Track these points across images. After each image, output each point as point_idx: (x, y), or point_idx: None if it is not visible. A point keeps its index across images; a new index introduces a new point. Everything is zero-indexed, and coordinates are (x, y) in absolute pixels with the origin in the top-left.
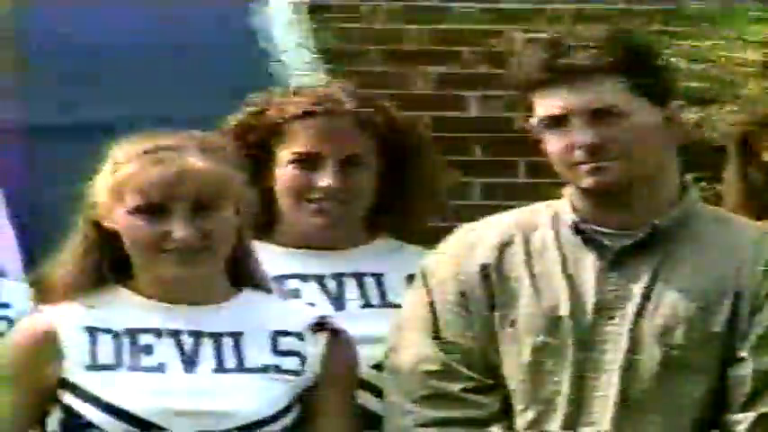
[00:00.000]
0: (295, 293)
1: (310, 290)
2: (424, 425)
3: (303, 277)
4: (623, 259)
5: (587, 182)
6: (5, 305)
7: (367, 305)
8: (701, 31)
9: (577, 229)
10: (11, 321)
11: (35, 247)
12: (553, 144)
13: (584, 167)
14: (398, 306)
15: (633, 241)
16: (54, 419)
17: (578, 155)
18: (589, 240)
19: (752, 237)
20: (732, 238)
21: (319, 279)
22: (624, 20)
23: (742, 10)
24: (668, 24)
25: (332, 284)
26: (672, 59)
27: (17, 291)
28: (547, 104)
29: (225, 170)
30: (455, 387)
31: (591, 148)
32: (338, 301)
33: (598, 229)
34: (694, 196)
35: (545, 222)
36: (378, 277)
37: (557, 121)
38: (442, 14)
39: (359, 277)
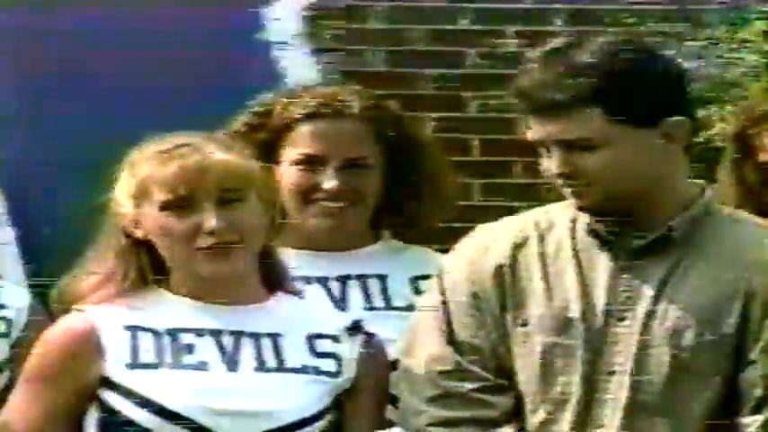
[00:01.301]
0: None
1: (313, 292)
2: (435, 425)
3: (307, 279)
4: (636, 261)
5: (573, 203)
6: (2, 306)
7: (370, 308)
8: (700, 31)
9: (592, 231)
10: (9, 321)
11: (35, 248)
12: (543, 162)
13: (567, 189)
14: (401, 308)
15: (646, 243)
16: (92, 418)
17: (558, 179)
18: (603, 242)
19: (765, 238)
20: (746, 240)
21: (323, 281)
22: (622, 20)
23: (742, 10)
24: (666, 25)
25: (336, 287)
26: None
27: (14, 291)
28: (529, 129)
29: (246, 161)
30: (467, 387)
31: (562, 177)
32: (341, 304)
33: (612, 230)
34: (709, 198)
35: (562, 223)
36: (382, 279)
37: (540, 145)
38: (443, 14)
39: (363, 279)
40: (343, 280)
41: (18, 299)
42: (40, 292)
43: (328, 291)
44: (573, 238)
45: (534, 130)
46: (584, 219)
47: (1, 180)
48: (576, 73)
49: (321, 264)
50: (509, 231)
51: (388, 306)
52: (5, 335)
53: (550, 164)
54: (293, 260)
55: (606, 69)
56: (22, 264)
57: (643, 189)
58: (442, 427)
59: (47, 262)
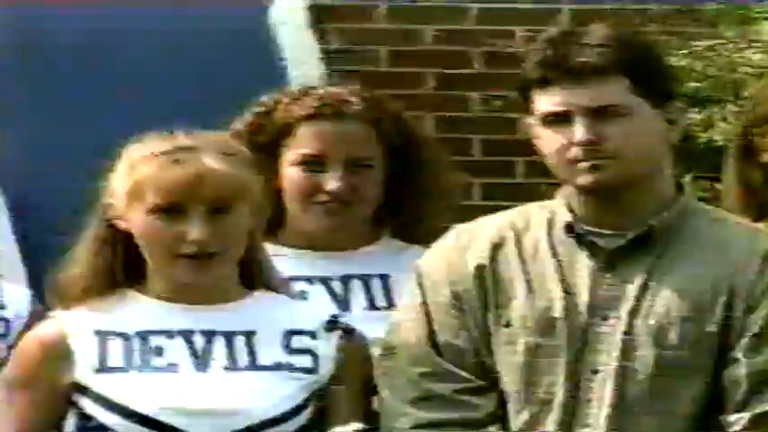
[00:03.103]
0: (302, 295)
1: (317, 292)
2: (418, 427)
3: (310, 279)
4: (617, 260)
5: (584, 180)
6: (1, 306)
7: (373, 307)
8: (704, 31)
9: (571, 230)
10: (7, 321)
11: (36, 249)
12: (551, 141)
13: (582, 165)
14: None
15: (626, 242)
16: (70, 423)
17: (576, 152)
18: (583, 241)
19: (746, 236)
20: (726, 238)
21: (326, 281)
22: (629, 19)
23: (745, 10)
24: (672, 24)
25: (338, 286)
26: (675, 59)
27: (14, 292)
28: (548, 101)
29: (243, 173)
30: (449, 388)
31: (590, 145)
32: (344, 303)
33: (592, 229)
34: (689, 196)
35: (539, 223)
36: (384, 279)
37: (557, 118)
38: (445, 15)
39: (365, 279)
40: (346, 280)
41: (17, 299)
42: (41, 292)
43: (331, 291)
44: (551, 238)
45: (559, 99)
46: (561, 218)
47: (1, 179)
48: (608, 42)
49: (323, 264)
50: (486, 232)
51: (391, 306)
52: (3, 335)
53: (571, 135)
54: (296, 260)
55: (632, 43)
56: (22, 263)
57: (645, 174)
58: (426, 429)
59: (48, 261)
